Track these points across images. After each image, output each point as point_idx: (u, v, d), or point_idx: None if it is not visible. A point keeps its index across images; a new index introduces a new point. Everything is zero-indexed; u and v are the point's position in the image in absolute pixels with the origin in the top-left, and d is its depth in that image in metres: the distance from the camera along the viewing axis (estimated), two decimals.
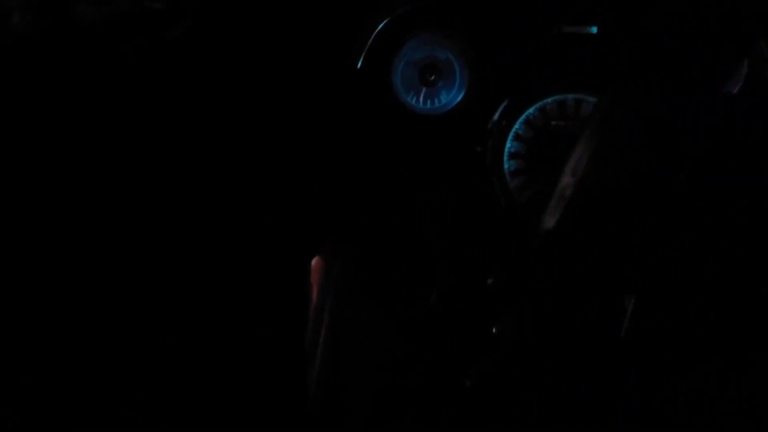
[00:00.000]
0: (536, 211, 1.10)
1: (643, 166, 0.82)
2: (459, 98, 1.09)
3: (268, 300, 1.18)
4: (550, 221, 0.82)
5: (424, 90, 1.12)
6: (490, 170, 1.08)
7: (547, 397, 0.98)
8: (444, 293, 1.07)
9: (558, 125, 1.08)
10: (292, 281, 1.13)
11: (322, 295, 1.09)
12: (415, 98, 1.13)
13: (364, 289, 1.08)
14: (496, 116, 1.06)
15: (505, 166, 1.10)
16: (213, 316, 1.17)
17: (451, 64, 1.10)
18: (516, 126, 1.09)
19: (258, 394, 1.16)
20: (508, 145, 1.09)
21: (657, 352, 0.96)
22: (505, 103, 1.06)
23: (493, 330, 1.06)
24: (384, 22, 1.03)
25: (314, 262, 1.11)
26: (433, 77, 1.10)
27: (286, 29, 1.05)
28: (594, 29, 1.04)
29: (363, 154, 1.10)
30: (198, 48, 1.02)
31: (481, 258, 1.07)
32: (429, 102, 1.13)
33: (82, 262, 1.07)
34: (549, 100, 1.08)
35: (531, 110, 1.09)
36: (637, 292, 0.82)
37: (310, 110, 1.08)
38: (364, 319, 1.09)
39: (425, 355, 1.11)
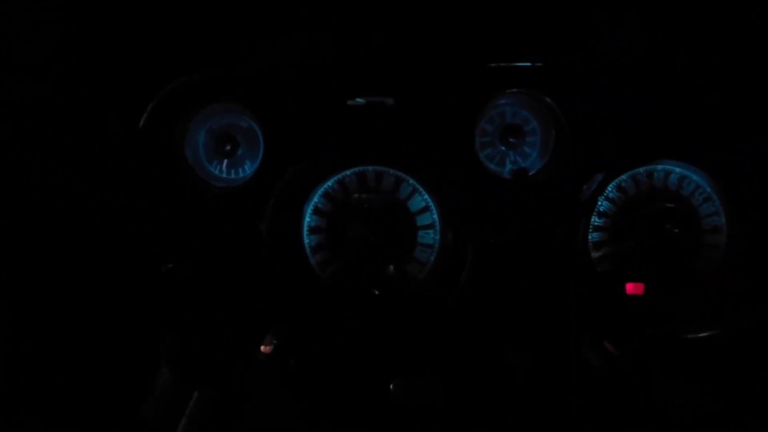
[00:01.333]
0: (343, 285, 1.05)
1: None
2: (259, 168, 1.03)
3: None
4: None
5: (225, 161, 1.07)
6: (288, 245, 1.02)
7: None
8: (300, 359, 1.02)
9: (359, 198, 1.03)
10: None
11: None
12: (218, 168, 1.07)
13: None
14: (288, 189, 1.00)
15: (306, 241, 1.04)
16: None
17: (254, 133, 1.05)
18: (315, 199, 1.04)
19: None
20: (307, 219, 1.04)
21: None
22: (300, 176, 1.01)
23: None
24: (173, 85, 0.98)
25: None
26: (229, 147, 1.05)
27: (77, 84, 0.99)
28: (390, 100, 0.99)
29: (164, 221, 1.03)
30: None
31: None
32: (233, 172, 1.07)
33: None
34: (348, 172, 1.03)
35: (329, 183, 1.03)
36: None
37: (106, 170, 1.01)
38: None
39: None
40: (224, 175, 1.07)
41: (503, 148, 1.06)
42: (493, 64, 0.98)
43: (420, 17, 0.98)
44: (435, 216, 1.03)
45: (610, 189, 1.02)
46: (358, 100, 1.00)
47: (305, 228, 1.03)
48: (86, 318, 1.02)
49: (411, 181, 1.03)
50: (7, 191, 0.96)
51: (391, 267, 1.03)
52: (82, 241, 1.01)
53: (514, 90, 0.98)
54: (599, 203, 1.02)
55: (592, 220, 1.02)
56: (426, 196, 1.03)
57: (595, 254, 1.02)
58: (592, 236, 1.02)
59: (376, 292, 1.01)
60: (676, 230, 0.99)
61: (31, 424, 1.01)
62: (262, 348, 1.03)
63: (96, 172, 0.99)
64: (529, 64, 0.98)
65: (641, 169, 1.02)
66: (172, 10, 0.96)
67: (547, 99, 0.98)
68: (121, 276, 1.03)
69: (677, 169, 1.02)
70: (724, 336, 0.97)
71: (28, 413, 1.03)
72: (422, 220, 1.03)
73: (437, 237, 1.03)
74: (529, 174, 1.01)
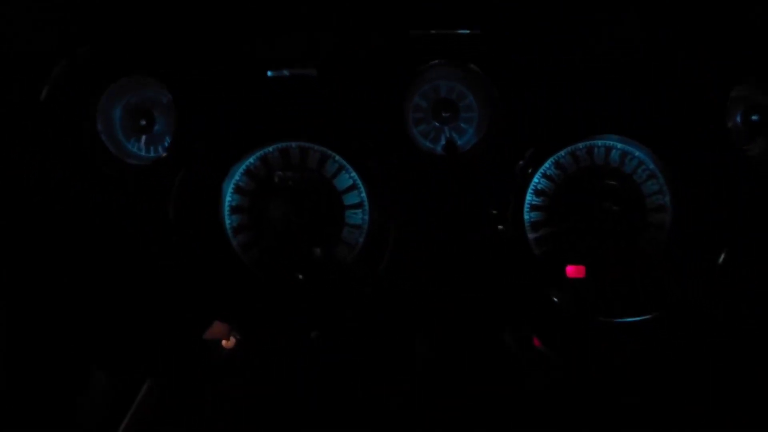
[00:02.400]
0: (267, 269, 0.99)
1: None
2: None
3: None
4: None
5: (144, 137, 1.01)
6: (207, 226, 0.96)
7: None
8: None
9: (283, 175, 0.97)
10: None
11: None
12: (136, 145, 1.01)
13: None
14: (208, 167, 0.94)
15: (227, 221, 0.98)
16: None
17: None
18: (236, 177, 0.97)
19: None
20: (227, 198, 0.97)
21: None
22: (218, 153, 0.95)
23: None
24: (75, 56, 0.91)
25: None
26: (144, 122, 0.99)
27: None
28: (314, 71, 0.94)
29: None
30: None
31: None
32: (152, 149, 1.01)
33: None
34: (270, 148, 0.97)
35: (251, 160, 0.97)
36: None
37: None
38: None
39: None
40: (143, 153, 1.01)
41: (437, 123, 1.00)
42: (419, 32, 0.92)
43: None
44: (363, 195, 0.97)
45: (548, 166, 0.96)
46: (281, 71, 0.95)
47: (226, 208, 0.97)
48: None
49: (337, 157, 0.97)
50: None
51: (318, 249, 0.97)
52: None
53: (439, 61, 0.92)
54: (537, 181, 0.96)
55: (530, 198, 0.96)
56: (353, 174, 0.97)
57: (532, 235, 0.96)
58: (530, 216, 0.96)
59: (301, 277, 0.96)
60: (616, 208, 0.93)
61: None
62: (224, 343, 0.98)
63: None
64: (465, 32, 0.93)
65: (581, 145, 0.96)
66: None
67: (473, 66, 0.92)
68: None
69: (619, 145, 0.96)
70: (666, 320, 0.92)
71: None
72: (349, 199, 0.97)
73: (366, 217, 0.97)
74: (461, 149, 0.95)
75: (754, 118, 0.97)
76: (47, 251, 0.95)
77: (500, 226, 0.91)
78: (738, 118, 0.97)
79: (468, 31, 0.94)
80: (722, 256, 0.89)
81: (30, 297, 0.95)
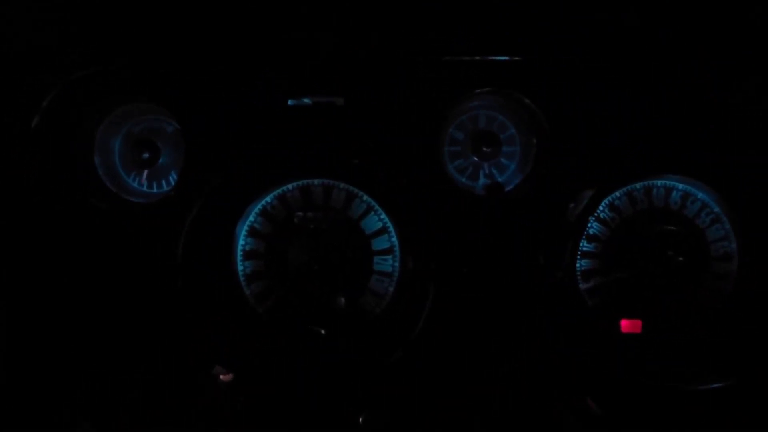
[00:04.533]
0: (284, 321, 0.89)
1: None
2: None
3: None
4: None
5: (145, 171, 0.90)
6: (217, 273, 0.85)
7: None
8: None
9: (303, 216, 0.86)
10: None
11: None
12: (137, 180, 0.90)
13: None
14: (219, 207, 0.83)
15: (240, 268, 0.87)
16: None
17: (181, 139, 0.88)
18: (250, 218, 0.87)
19: None
20: (241, 242, 0.87)
21: None
22: (231, 191, 0.84)
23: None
24: (72, 79, 0.80)
25: None
26: (147, 155, 0.88)
27: None
28: (341, 100, 0.83)
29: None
30: None
31: None
32: (155, 185, 0.90)
33: None
34: (289, 186, 0.87)
35: (268, 199, 0.87)
36: None
37: None
38: None
39: None
40: (144, 189, 0.90)
41: (476, 159, 0.89)
42: (461, 58, 0.82)
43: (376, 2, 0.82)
44: (394, 239, 0.87)
45: (601, 208, 0.86)
46: (303, 99, 0.84)
47: (239, 253, 0.86)
48: None
49: (365, 197, 0.86)
50: None
51: (342, 299, 0.86)
52: None
53: (486, 89, 0.82)
54: (589, 225, 0.86)
55: (581, 245, 0.86)
56: (383, 216, 0.86)
57: (584, 286, 0.86)
58: (581, 264, 0.86)
59: (323, 332, 0.85)
60: (681, 258, 0.83)
61: None
62: (223, 376, 0.88)
63: None
64: (506, 58, 0.83)
65: (638, 185, 0.86)
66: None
67: (526, 100, 0.82)
68: None
69: (680, 186, 0.87)
70: (736, 386, 0.81)
71: None
72: (379, 243, 0.87)
73: (396, 264, 0.87)
74: (505, 190, 0.85)
75: None
76: (38, 295, 0.85)
77: (555, 276, 0.81)
78: None
79: (507, 58, 0.84)
80: None
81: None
